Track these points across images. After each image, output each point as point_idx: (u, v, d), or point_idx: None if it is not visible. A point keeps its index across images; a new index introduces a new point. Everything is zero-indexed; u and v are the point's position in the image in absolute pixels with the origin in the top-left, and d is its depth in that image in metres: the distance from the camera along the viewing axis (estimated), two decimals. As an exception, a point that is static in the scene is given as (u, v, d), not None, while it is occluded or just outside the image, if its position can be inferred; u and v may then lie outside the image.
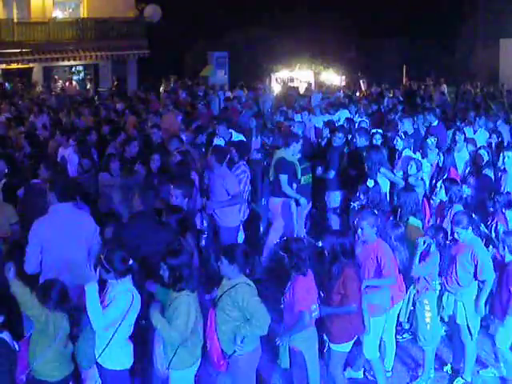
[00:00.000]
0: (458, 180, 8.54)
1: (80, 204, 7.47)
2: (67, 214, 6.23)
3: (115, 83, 30.10)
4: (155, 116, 13.58)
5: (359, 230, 6.20)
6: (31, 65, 27.95)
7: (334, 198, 9.84)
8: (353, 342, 5.92)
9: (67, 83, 26.94)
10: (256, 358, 5.55)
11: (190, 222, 7.05)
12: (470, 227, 6.36)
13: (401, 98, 19.49)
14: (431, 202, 8.58)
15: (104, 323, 5.12)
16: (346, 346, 5.89)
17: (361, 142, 10.19)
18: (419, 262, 6.25)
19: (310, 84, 26.74)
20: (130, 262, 5.27)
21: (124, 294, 5.19)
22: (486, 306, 6.51)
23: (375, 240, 6.23)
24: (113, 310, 5.14)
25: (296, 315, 5.63)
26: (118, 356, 5.29)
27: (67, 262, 6.08)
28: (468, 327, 6.40)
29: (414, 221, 7.14)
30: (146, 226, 6.30)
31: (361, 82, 28.22)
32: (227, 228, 8.35)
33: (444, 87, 24.00)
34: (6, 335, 5.23)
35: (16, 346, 5.30)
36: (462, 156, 10.15)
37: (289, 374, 6.14)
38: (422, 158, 9.74)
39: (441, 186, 8.23)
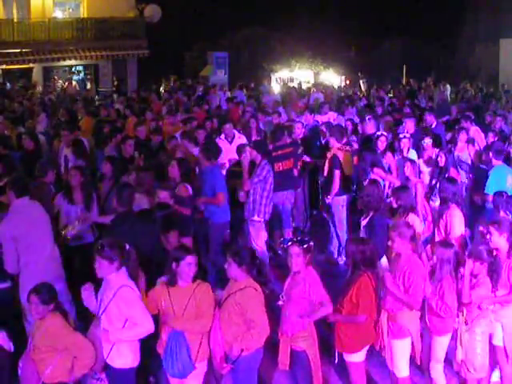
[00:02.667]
0: (457, 180, 8.48)
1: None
2: (27, 208, 6.40)
3: (115, 83, 30.12)
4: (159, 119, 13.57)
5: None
6: (31, 65, 27.93)
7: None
8: (365, 350, 5.77)
9: (67, 83, 26.93)
10: (257, 359, 5.48)
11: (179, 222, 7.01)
12: (506, 234, 5.92)
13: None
14: (431, 202, 8.56)
15: (115, 325, 5.08)
16: (359, 356, 5.74)
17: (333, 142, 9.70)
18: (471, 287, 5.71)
19: (300, 84, 26.52)
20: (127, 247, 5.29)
21: (121, 289, 5.06)
22: None
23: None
24: (114, 307, 5.04)
25: (307, 307, 5.55)
26: (126, 354, 5.18)
27: (43, 255, 6.27)
28: (505, 350, 6.06)
29: (413, 217, 7.12)
30: (132, 228, 6.29)
31: (361, 82, 28.23)
32: (214, 224, 8.40)
33: (447, 88, 23.85)
34: None
35: (11, 346, 5.25)
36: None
37: (290, 375, 6.08)
38: (418, 158, 9.71)
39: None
